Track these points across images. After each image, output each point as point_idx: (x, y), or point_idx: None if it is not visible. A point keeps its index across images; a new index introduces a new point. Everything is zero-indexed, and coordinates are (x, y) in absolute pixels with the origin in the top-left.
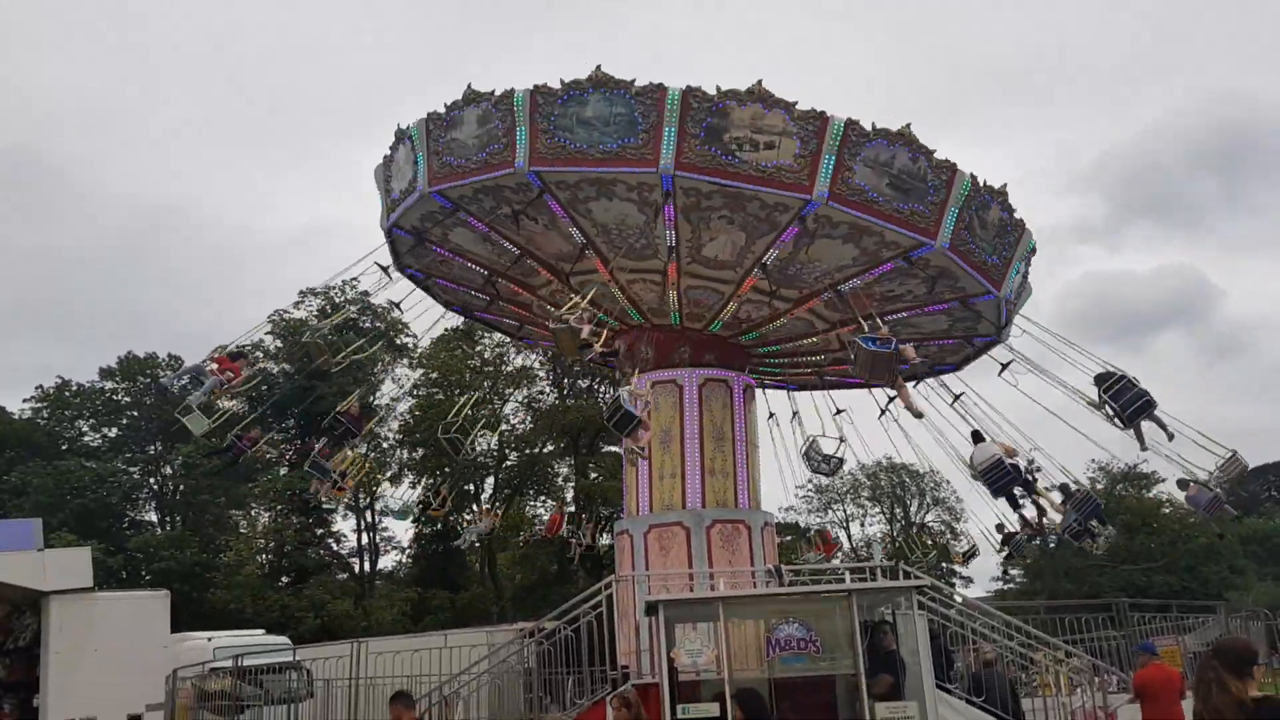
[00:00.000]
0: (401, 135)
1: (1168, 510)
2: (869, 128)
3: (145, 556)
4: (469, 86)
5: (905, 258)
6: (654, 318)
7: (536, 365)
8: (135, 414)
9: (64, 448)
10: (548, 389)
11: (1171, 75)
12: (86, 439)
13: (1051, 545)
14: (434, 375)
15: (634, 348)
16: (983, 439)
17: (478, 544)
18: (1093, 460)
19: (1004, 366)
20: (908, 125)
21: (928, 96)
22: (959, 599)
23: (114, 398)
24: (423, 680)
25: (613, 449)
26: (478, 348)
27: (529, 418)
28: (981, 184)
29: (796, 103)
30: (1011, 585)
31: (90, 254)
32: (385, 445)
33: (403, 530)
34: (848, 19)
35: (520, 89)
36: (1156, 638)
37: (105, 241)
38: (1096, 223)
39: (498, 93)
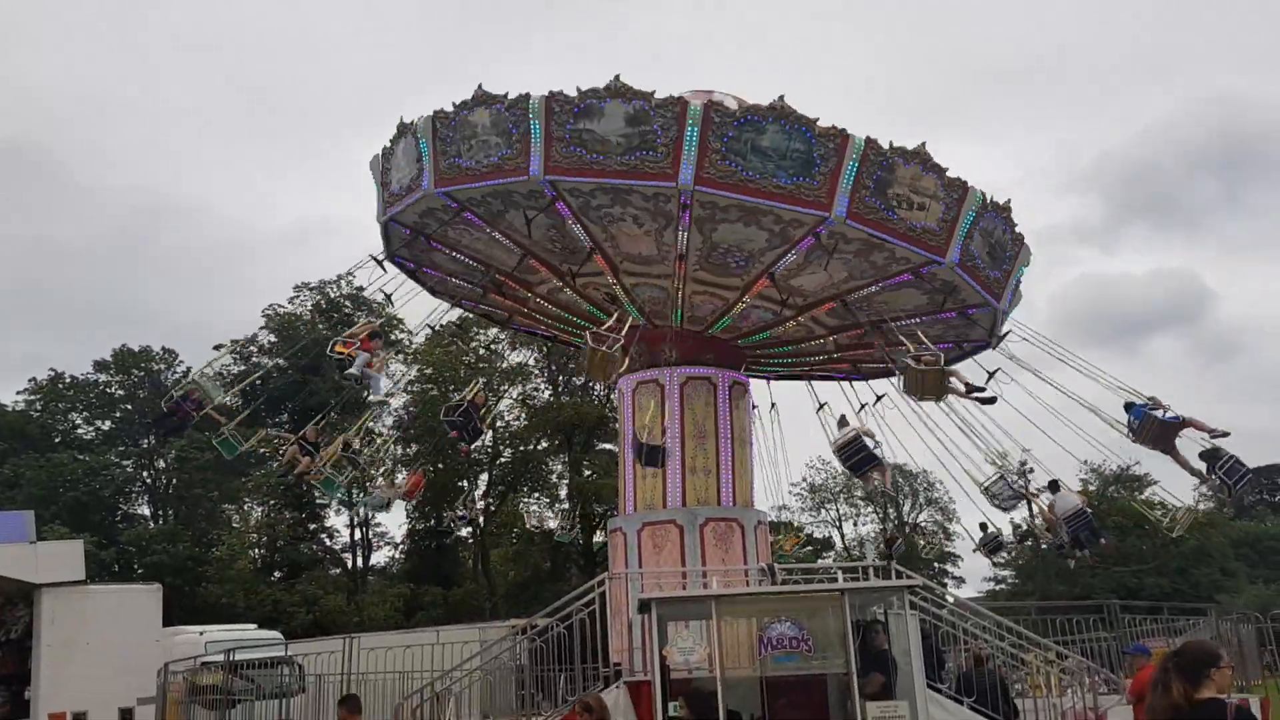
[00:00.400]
0: (405, 129)
1: (1159, 512)
2: (885, 146)
3: (138, 550)
4: (479, 87)
5: (915, 272)
6: (654, 319)
7: (531, 362)
8: (129, 407)
9: (57, 440)
10: (542, 385)
11: (1171, 76)
12: (80, 432)
13: (1044, 546)
14: (428, 371)
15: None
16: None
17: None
18: (1085, 462)
19: (990, 375)
20: (923, 144)
21: (927, 96)
22: (951, 599)
23: (107, 390)
24: (415, 676)
25: (606, 446)
26: (472, 344)
27: (523, 414)
28: (989, 201)
29: (818, 119)
30: (1003, 586)
31: (87, 247)
32: (379, 441)
33: (396, 526)
34: (846, 19)
35: (535, 95)
36: (1147, 639)
37: (102, 235)
38: (1094, 224)
39: (512, 95)
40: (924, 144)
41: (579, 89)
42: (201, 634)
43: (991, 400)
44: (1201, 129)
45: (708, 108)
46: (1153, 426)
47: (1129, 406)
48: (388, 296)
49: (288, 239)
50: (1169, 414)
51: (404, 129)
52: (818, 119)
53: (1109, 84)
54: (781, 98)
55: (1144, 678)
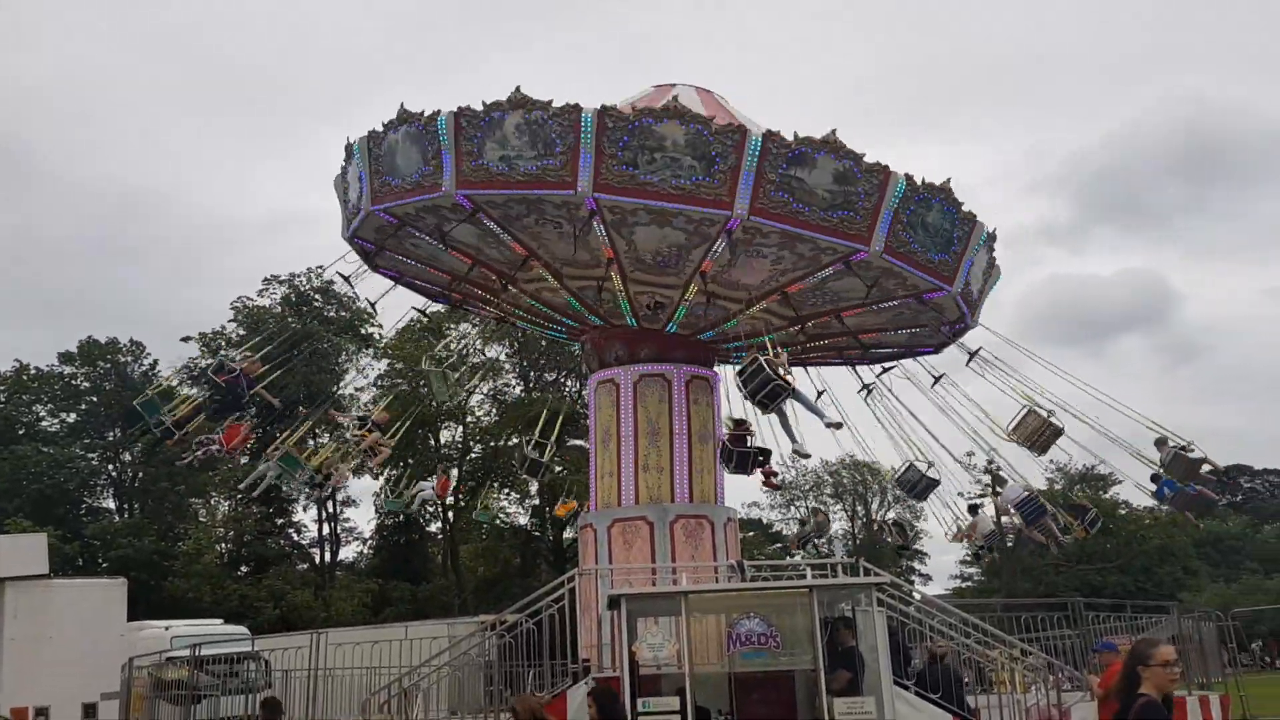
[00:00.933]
0: (349, 151)
1: (1124, 512)
2: (790, 138)
3: (102, 544)
4: (401, 106)
5: (845, 262)
6: (612, 319)
7: (503, 358)
8: (94, 399)
9: (21, 433)
10: (514, 381)
11: (1140, 81)
12: (44, 424)
13: (1010, 544)
14: (399, 366)
15: (599, 347)
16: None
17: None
18: (1051, 461)
19: (972, 355)
20: (833, 131)
21: (899, 98)
22: (917, 596)
23: (73, 383)
24: (383, 672)
25: (578, 442)
26: (444, 340)
27: (495, 410)
28: (920, 183)
29: (714, 117)
30: (969, 584)
31: (54, 238)
32: (349, 436)
33: (364, 521)
34: (822, 16)
35: (445, 110)
36: (1111, 637)
37: (71, 226)
38: (1063, 225)
39: (426, 113)
40: (834, 131)
41: (484, 102)
42: (167, 629)
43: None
44: (1169, 132)
45: (600, 114)
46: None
47: (1155, 478)
48: (372, 305)
49: (261, 230)
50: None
51: (348, 150)
52: (713, 117)
53: (1079, 86)
54: (675, 97)
55: (1113, 674)
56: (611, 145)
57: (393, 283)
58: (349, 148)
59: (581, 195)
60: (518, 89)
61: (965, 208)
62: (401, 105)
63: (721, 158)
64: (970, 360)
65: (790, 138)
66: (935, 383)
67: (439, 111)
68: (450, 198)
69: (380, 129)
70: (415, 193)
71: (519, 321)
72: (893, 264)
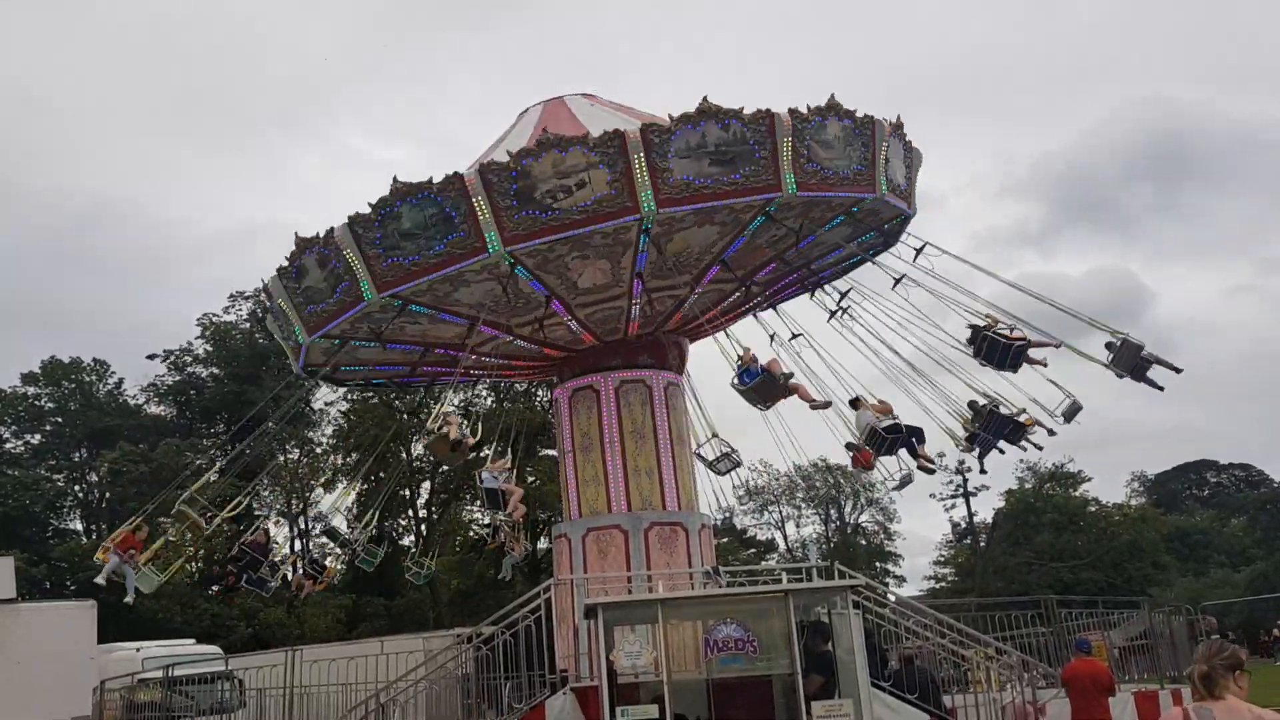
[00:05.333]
0: (310, 244)
1: (1094, 509)
2: (667, 122)
3: (70, 566)
4: (297, 235)
5: (764, 213)
6: (573, 347)
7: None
8: (59, 420)
9: None
10: (484, 392)
11: (1107, 83)
12: (8, 446)
13: (983, 544)
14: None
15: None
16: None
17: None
18: (1020, 460)
19: (917, 253)
20: (704, 98)
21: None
22: (893, 598)
23: (36, 403)
24: (358, 688)
25: (549, 453)
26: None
27: (465, 422)
28: (806, 110)
29: (588, 133)
30: (944, 584)
31: (13, 254)
32: (319, 450)
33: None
34: (786, 25)
35: (338, 225)
36: (1084, 633)
37: (29, 240)
38: (1033, 227)
39: (322, 234)
40: (705, 97)
41: (369, 204)
42: (138, 650)
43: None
44: (1136, 135)
45: (482, 173)
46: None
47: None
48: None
49: (225, 244)
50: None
51: (267, 290)
52: (742, 108)
53: (1045, 91)
54: (705, 98)
55: (1069, 670)
56: (504, 198)
57: (361, 384)
58: (308, 241)
59: (496, 256)
60: (395, 179)
61: (859, 114)
62: (296, 234)
63: (609, 166)
64: (916, 257)
65: (666, 121)
66: (895, 284)
67: (331, 228)
68: (376, 303)
69: (286, 263)
70: (342, 310)
71: (490, 376)
72: (810, 197)
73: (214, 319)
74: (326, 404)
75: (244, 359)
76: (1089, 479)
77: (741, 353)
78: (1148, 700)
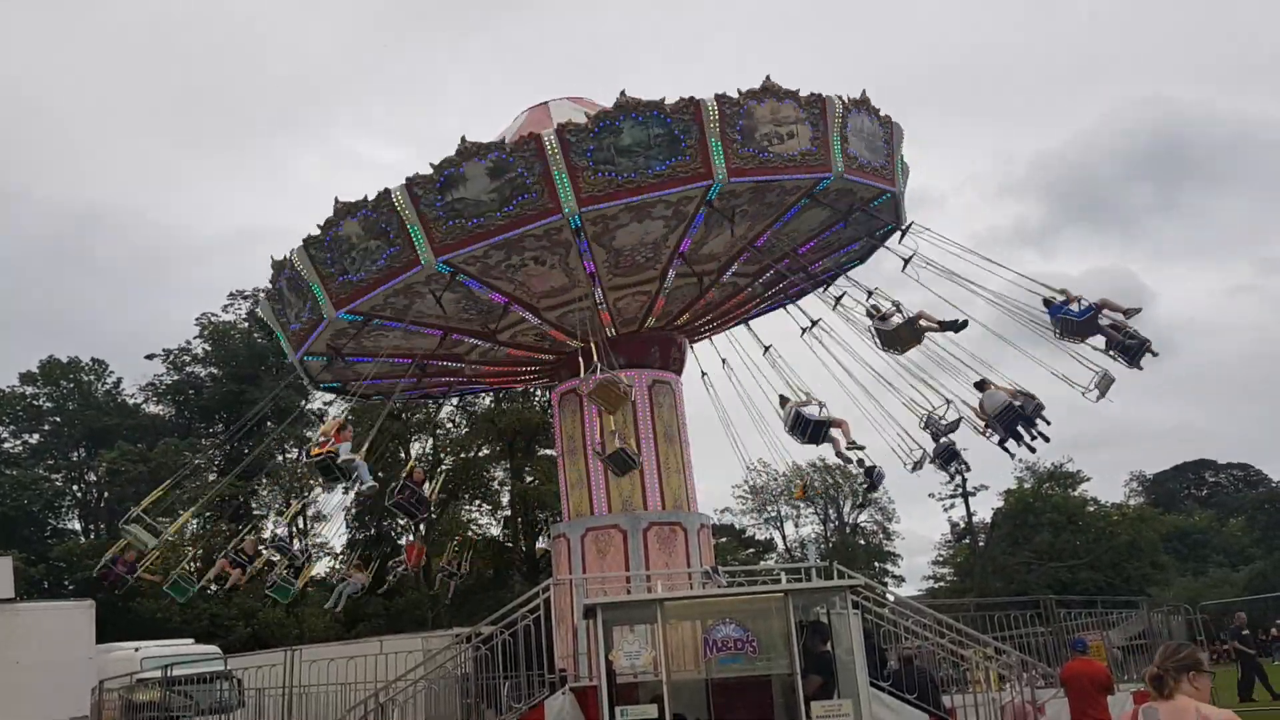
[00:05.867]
0: (280, 266)
1: (1092, 509)
2: (735, 95)
3: (69, 566)
4: (337, 200)
5: (809, 195)
6: (558, 350)
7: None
8: (58, 420)
9: None
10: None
11: (1107, 83)
12: (6, 446)
13: (982, 544)
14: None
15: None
16: (988, 386)
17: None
18: (1019, 460)
19: (903, 232)
20: (767, 76)
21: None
22: (891, 598)
23: (35, 403)
24: (358, 688)
25: (548, 452)
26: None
27: (464, 421)
28: (737, 94)
29: (504, 139)
30: (942, 584)
31: (14, 255)
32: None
33: (335, 536)
34: (786, 25)
35: (395, 186)
36: (1083, 633)
37: (29, 244)
38: (1033, 226)
39: (371, 197)
40: (768, 76)
41: (431, 164)
42: (137, 650)
43: (963, 325)
44: (1137, 133)
45: (560, 131)
46: (1070, 324)
47: (1047, 303)
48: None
49: (224, 247)
50: (1084, 305)
51: (279, 265)
52: (663, 98)
53: (1046, 90)
54: (622, 92)
55: (1066, 670)
56: (579, 157)
57: (335, 395)
58: (279, 263)
59: (568, 215)
60: (463, 139)
61: (803, 93)
62: (336, 199)
63: (686, 133)
64: (902, 237)
65: (735, 94)
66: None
67: (387, 190)
68: (431, 267)
69: (318, 231)
70: (386, 279)
71: (486, 384)
72: (749, 182)
73: (213, 318)
74: (325, 404)
75: (243, 358)
76: (1088, 479)
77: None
78: (1146, 700)
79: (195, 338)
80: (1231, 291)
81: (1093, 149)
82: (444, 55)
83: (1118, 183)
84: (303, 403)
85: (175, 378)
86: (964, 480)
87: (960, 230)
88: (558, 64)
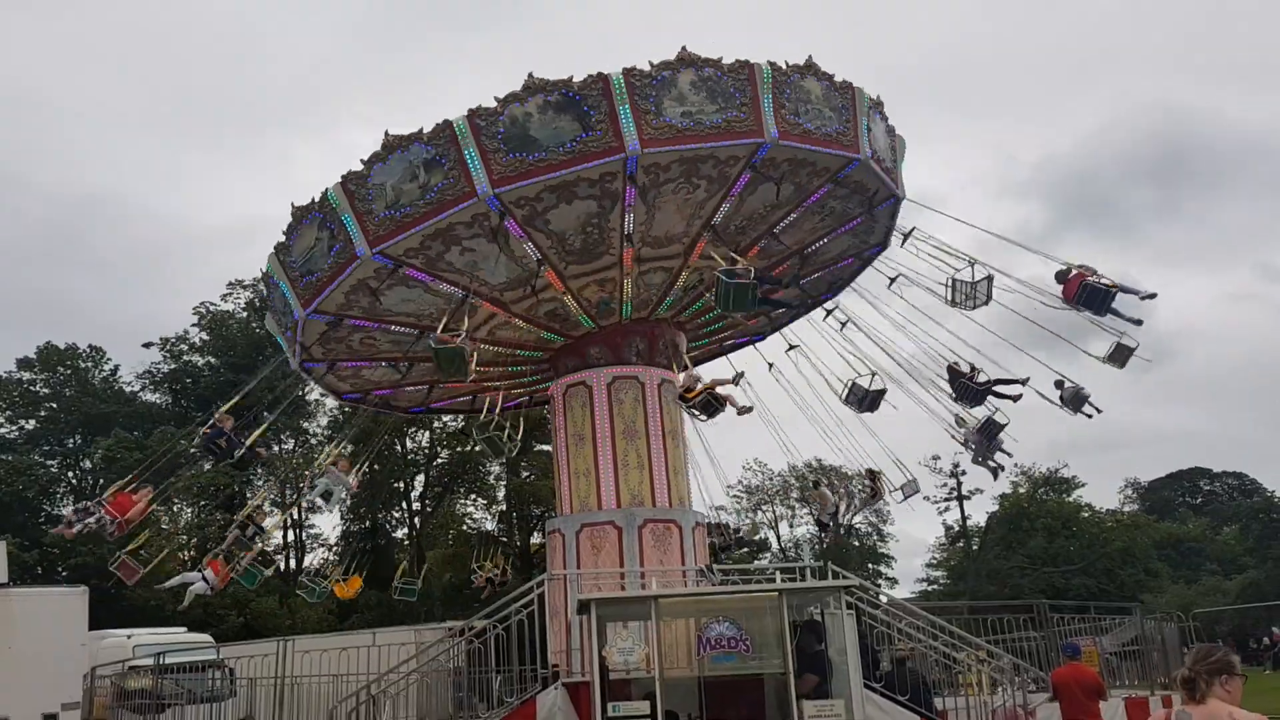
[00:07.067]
0: (306, 211)
1: (1086, 515)
2: (784, 65)
3: (62, 552)
4: (387, 134)
5: (833, 180)
6: (601, 319)
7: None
8: (54, 406)
9: None
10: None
11: (1109, 86)
12: (2, 431)
13: (976, 547)
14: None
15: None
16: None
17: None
18: (1015, 464)
19: (905, 237)
20: (683, 47)
21: None
22: (885, 599)
23: (31, 389)
24: (350, 679)
25: (544, 448)
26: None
27: (460, 415)
28: (785, 65)
29: (571, 77)
30: (935, 587)
31: (15, 242)
32: (314, 441)
33: (330, 527)
34: (786, 25)
35: (457, 117)
36: (1075, 638)
37: (29, 231)
38: (1034, 229)
39: (427, 130)
40: (810, 57)
41: (496, 98)
42: (130, 637)
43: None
44: (1139, 136)
45: (628, 74)
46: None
47: (1060, 276)
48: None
49: (225, 237)
50: (1103, 281)
51: (304, 210)
52: (720, 57)
53: (1047, 93)
54: (684, 48)
55: (1058, 675)
56: (490, 140)
57: (315, 382)
58: (304, 209)
59: (482, 197)
60: (386, 132)
61: (838, 78)
62: (292, 204)
63: (740, 91)
64: (905, 241)
65: (646, 67)
66: (891, 283)
67: (326, 190)
68: (368, 262)
69: (360, 166)
70: (334, 276)
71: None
72: (794, 147)
73: (211, 307)
74: (322, 394)
75: (240, 347)
76: (1083, 484)
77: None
78: (1138, 706)
79: (193, 326)
80: (1231, 298)
81: (1095, 152)
82: (445, 52)
83: (1119, 186)
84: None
85: (172, 366)
86: (959, 484)
87: (962, 231)
88: (559, 62)
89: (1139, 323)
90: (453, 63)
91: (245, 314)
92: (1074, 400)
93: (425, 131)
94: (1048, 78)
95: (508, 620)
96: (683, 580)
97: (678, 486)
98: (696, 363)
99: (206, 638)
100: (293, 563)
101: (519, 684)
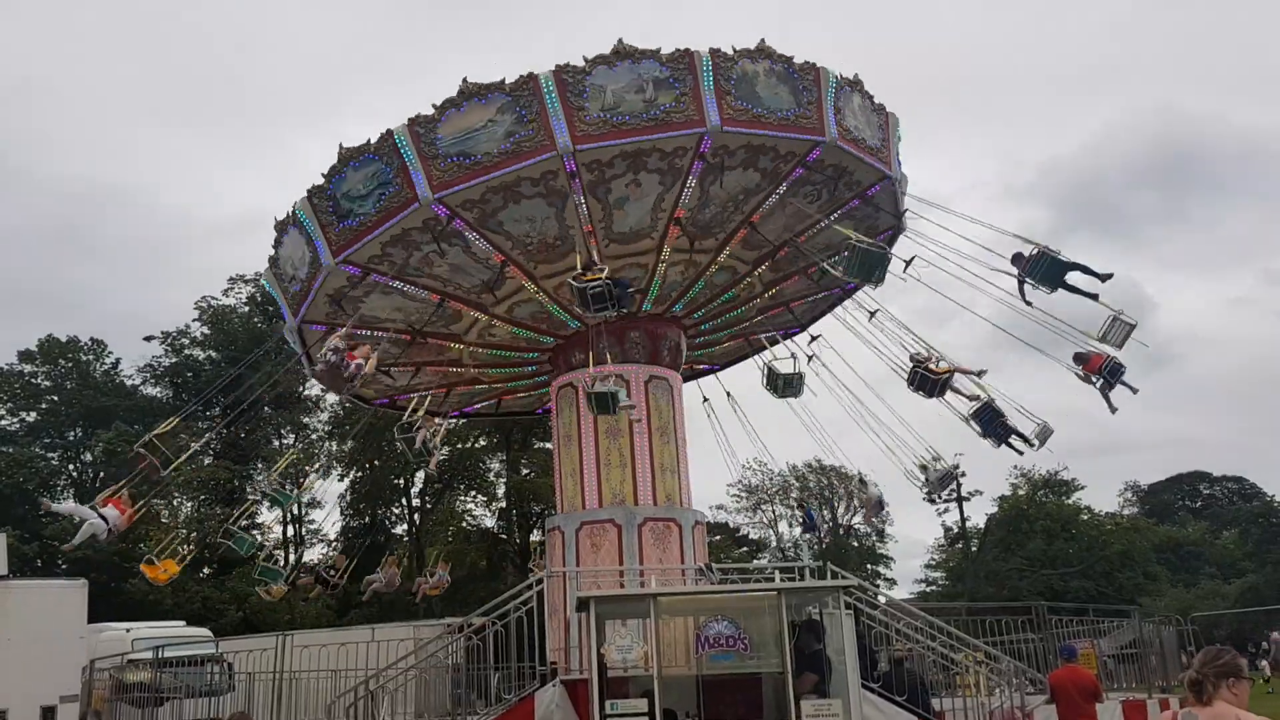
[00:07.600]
0: (284, 224)
1: (1086, 517)
2: (730, 51)
3: (62, 544)
4: (341, 146)
5: (803, 164)
6: (556, 332)
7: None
8: (55, 399)
9: None
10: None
11: (1113, 91)
12: (3, 423)
13: (974, 549)
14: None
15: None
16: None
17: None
18: (1014, 466)
19: (907, 264)
20: (762, 40)
21: None
22: (883, 599)
23: (33, 381)
24: (348, 675)
25: (544, 445)
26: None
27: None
28: (839, 76)
29: (504, 80)
30: (934, 588)
31: (18, 233)
32: (314, 437)
33: (330, 523)
34: (787, 25)
35: (397, 126)
36: (1073, 641)
37: (32, 224)
38: (1038, 233)
39: (373, 140)
40: (763, 39)
41: (433, 104)
42: (128, 631)
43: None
44: (1142, 143)
45: (558, 72)
46: (1043, 264)
47: (1016, 259)
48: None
49: (230, 230)
50: (1061, 256)
51: (282, 224)
52: (659, 48)
53: (1051, 97)
54: (620, 40)
55: (1055, 677)
56: (576, 98)
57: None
58: (282, 223)
59: (562, 151)
60: (464, 80)
61: (798, 60)
62: (340, 145)
63: (679, 80)
64: (906, 267)
65: (730, 50)
66: (907, 265)
67: (389, 131)
68: (427, 205)
69: (322, 180)
70: (382, 220)
71: (476, 383)
72: (744, 133)
73: (212, 301)
74: (322, 390)
75: (241, 342)
76: (1082, 487)
77: None
78: (1135, 710)
79: (194, 320)
80: (1233, 303)
81: (1098, 156)
82: (451, 46)
83: (1122, 191)
84: (300, 389)
85: (173, 360)
86: (959, 485)
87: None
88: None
89: (1095, 297)
90: (460, 57)
91: (247, 309)
92: (1111, 372)
93: (508, 82)
94: (1052, 82)
95: (506, 617)
96: (682, 579)
97: (665, 484)
98: (718, 358)
99: (205, 632)
100: (292, 558)
101: (517, 681)
